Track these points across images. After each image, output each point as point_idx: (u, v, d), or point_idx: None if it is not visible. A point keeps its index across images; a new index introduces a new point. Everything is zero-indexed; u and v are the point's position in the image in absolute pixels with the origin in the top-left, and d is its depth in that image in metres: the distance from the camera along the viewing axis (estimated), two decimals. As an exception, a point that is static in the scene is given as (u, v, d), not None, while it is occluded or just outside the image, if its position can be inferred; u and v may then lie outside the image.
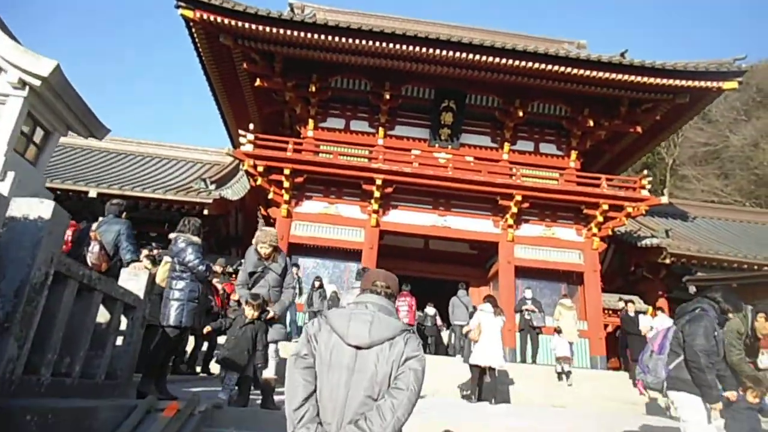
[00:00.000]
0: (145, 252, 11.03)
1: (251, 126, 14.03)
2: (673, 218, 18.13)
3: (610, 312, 15.89)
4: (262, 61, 14.02)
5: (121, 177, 15.08)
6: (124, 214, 6.04)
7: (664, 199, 13.91)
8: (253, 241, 5.35)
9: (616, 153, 16.94)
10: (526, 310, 12.02)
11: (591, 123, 14.74)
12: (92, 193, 12.70)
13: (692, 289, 14.43)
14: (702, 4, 70.77)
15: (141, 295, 4.73)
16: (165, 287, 5.36)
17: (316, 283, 12.41)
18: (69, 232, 5.35)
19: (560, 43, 17.07)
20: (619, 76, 13.01)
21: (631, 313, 11.46)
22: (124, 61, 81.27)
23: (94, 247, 5.35)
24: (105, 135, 5.65)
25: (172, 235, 5.42)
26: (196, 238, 5.29)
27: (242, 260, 5.89)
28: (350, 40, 12.59)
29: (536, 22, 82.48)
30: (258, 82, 14.06)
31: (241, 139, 13.37)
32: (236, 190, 15.76)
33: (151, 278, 5.22)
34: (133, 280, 4.73)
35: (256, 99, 15.74)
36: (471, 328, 8.88)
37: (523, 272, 14.47)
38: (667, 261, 14.32)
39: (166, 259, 6.16)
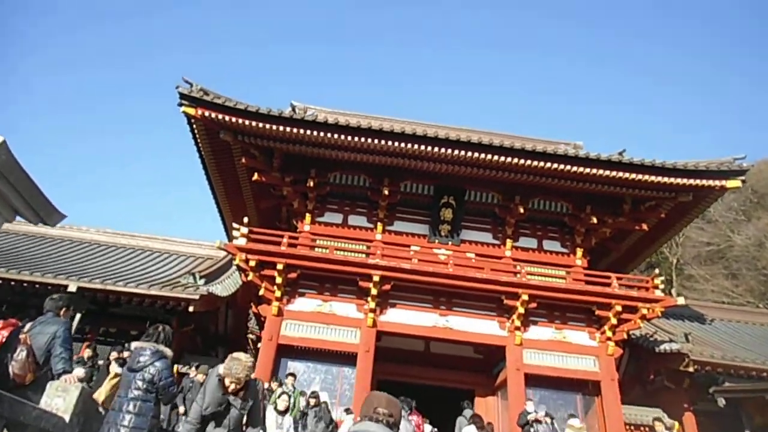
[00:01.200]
0: (113, 355, 10.15)
1: (247, 220, 13.66)
2: (689, 320, 17.11)
3: (632, 428, 14.33)
4: (261, 156, 14.04)
5: (107, 270, 14.45)
6: (64, 310, 5.15)
7: (681, 300, 13.07)
8: (221, 370, 4.39)
9: (623, 251, 16.40)
10: (535, 421, 10.45)
11: (594, 220, 14.37)
12: (71, 287, 12.00)
13: (721, 401, 13.12)
14: (692, 110, 74.71)
15: (67, 417, 3.84)
16: (111, 407, 4.39)
17: (311, 401, 10.48)
18: (4, 333, 4.53)
19: (557, 144, 17.25)
20: (619, 174, 12.85)
21: None
22: (118, 146, 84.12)
23: (21, 353, 4.35)
24: (58, 221, 5.12)
25: (135, 345, 4.63)
26: (168, 351, 4.50)
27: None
28: (349, 138, 12.63)
29: (531, 126, 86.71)
30: (256, 177, 13.96)
31: (234, 233, 12.95)
32: (227, 285, 15.05)
33: (86, 396, 4.32)
34: (60, 396, 3.87)
35: (253, 193, 15.59)
36: None
37: (534, 380, 13.21)
38: (690, 369, 13.13)
39: (115, 370, 5.17)
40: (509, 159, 12.61)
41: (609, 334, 13.50)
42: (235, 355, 4.51)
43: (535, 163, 12.62)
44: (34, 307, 13.80)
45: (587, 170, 12.67)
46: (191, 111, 12.47)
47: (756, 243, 36.37)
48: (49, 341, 4.53)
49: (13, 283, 12.16)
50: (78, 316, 12.44)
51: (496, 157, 12.61)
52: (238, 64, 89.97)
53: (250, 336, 19.06)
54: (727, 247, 39.35)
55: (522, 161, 12.61)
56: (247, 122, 12.56)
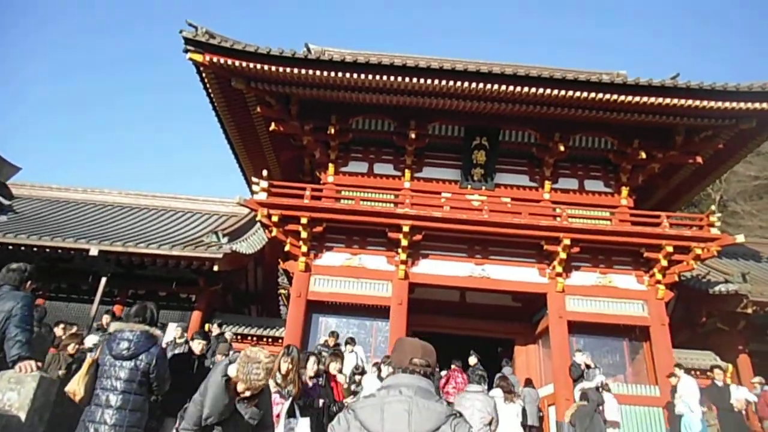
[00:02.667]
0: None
1: (267, 173, 12.91)
2: (743, 259, 15.94)
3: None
4: (278, 104, 13.12)
5: (130, 233, 14.12)
6: (28, 283, 4.14)
7: (740, 238, 11.92)
8: (232, 371, 3.30)
9: (672, 187, 15.13)
10: (587, 367, 9.73)
11: (643, 155, 13.10)
12: (93, 251, 11.68)
13: (782, 343, 12.19)
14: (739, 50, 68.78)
15: (23, 414, 3.15)
16: (90, 402, 3.59)
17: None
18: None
19: (599, 73, 15.71)
20: (674, 101, 11.46)
21: (720, 383, 9.29)
22: (139, 107, 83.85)
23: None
24: (12, 174, 4.41)
25: (115, 326, 3.93)
26: (157, 332, 3.82)
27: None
28: (371, 77, 11.54)
29: (565, 57, 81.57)
30: (273, 126, 13.10)
31: (254, 187, 12.26)
32: (253, 242, 14.58)
33: (48, 387, 3.58)
34: (13, 389, 3.19)
35: (272, 145, 14.79)
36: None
37: (578, 327, 12.51)
38: (749, 310, 12.17)
39: (89, 356, 4.29)
40: (549, 91, 11.34)
41: (659, 276, 12.55)
42: (252, 353, 3.37)
43: (579, 93, 11.33)
44: (62, 272, 13.77)
45: (638, 99, 11.34)
46: (198, 57, 11.54)
47: (808, 174, 34.03)
48: (3, 321, 3.69)
49: (35, 249, 11.89)
50: (104, 279, 12.20)
51: (533, 90, 11.36)
52: (245, 9, 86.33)
53: (282, 291, 18.85)
54: (777, 181, 37.03)
55: (563, 92, 11.34)
56: (259, 66, 11.58)
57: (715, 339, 14.37)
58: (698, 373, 13.79)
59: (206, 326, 13.50)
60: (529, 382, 11.70)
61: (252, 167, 15.39)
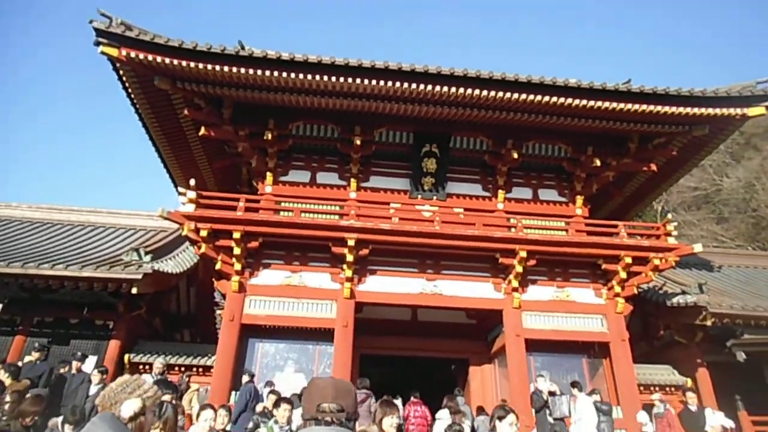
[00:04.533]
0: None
1: (194, 183, 11.59)
2: (697, 269, 15.77)
3: (641, 388, 13.04)
4: (208, 106, 11.86)
5: (38, 251, 12.34)
6: None
7: (698, 247, 11.56)
8: (126, 409, 2.43)
9: (626, 196, 14.81)
10: (551, 394, 8.90)
11: (597, 162, 12.65)
12: (-16, 274, 9.91)
13: (741, 355, 11.86)
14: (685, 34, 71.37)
15: None
16: None
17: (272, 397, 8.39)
18: None
19: (551, 78, 15.33)
20: (628, 106, 11.05)
21: (693, 407, 8.65)
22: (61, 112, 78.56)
23: None
24: None
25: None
26: None
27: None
28: (311, 77, 10.49)
29: (515, 63, 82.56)
30: (203, 131, 11.80)
31: (180, 198, 10.89)
32: (182, 260, 13.09)
33: None
34: None
35: (205, 152, 13.47)
36: None
37: (535, 346, 11.76)
38: (708, 322, 11.77)
39: None
40: (502, 94, 10.66)
41: (617, 289, 12.02)
42: (131, 383, 2.54)
43: (532, 97, 10.71)
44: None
45: (593, 103, 10.81)
46: (112, 52, 10.16)
47: (746, 185, 35.52)
48: None
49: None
50: (-1, 306, 10.44)
51: (485, 92, 10.64)
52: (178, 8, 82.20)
53: (220, 313, 17.24)
54: (715, 191, 38.57)
55: (517, 96, 10.69)
56: (185, 63, 10.32)
57: (673, 352, 13.96)
58: (657, 389, 13.35)
59: (126, 357, 11.89)
60: (481, 410, 10.79)
61: (183, 177, 13.94)
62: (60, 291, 11.56)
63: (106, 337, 11.85)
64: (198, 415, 4.62)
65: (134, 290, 10.62)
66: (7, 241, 12.89)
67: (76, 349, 11.68)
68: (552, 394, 8.57)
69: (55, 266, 10.39)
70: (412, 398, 10.76)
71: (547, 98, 10.77)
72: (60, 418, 5.23)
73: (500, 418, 3.50)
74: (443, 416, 8.39)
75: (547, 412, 8.46)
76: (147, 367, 12.08)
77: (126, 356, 11.87)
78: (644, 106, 11.05)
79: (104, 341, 11.79)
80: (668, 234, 11.95)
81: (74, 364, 8.64)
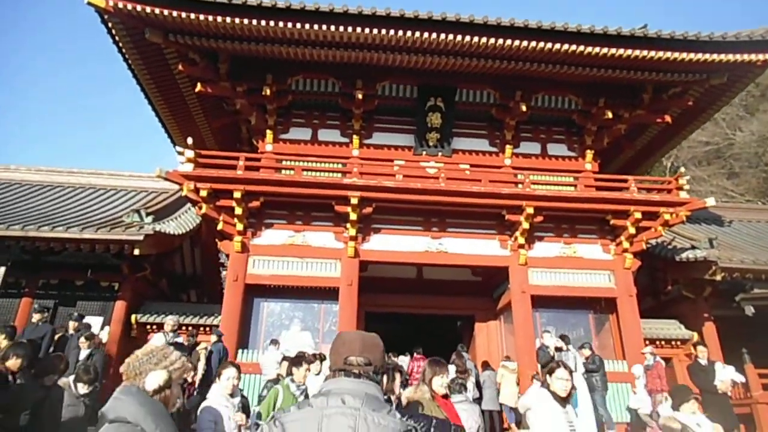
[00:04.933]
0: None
1: (192, 141, 11.26)
2: (706, 224, 15.48)
3: (647, 342, 13.05)
4: (203, 61, 11.40)
5: (38, 214, 12.22)
6: None
7: (710, 201, 11.26)
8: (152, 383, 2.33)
9: (638, 150, 14.37)
10: (557, 350, 8.79)
11: (609, 114, 12.16)
12: (-17, 237, 9.81)
13: (750, 309, 11.73)
14: None
15: None
16: None
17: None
18: None
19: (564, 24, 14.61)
20: (644, 54, 10.46)
21: (703, 362, 8.54)
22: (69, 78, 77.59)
23: None
24: None
25: None
26: None
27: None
28: (309, 26, 9.96)
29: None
30: (200, 88, 11.39)
31: (179, 157, 10.61)
32: (185, 221, 12.94)
33: None
34: None
35: (203, 110, 13.09)
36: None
37: (541, 302, 11.67)
38: (717, 277, 11.59)
39: None
40: (510, 42, 10.12)
41: (626, 245, 11.80)
42: (158, 353, 2.46)
43: (542, 44, 10.16)
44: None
45: (606, 51, 10.26)
46: (98, 2, 9.65)
47: (759, 138, 34.62)
48: None
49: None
50: (2, 269, 10.37)
51: (493, 41, 10.11)
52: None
53: (225, 273, 17.28)
54: (727, 146, 37.69)
55: (526, 44, 10.14)
56: (176, 14, 9.81)
57: (680, 307, 13.87)
58: (663, 343, 13.35)
59: (133, 317, 11.95)
60: (486, 365, 10.83)
61: (182, 137, 13.59)
62: (63, 253, 11.49)
63: (111, 298, 11.86)
64: (219, 375, 4.46)
65: (136, 251, 10.52)
66: (6, 205, 12.76)
67: (83, 310, 11.71)
68: (558, 349, 8.50)
69: (56, 228, 10.26)
70: (415, 354, 10.81)
71: (558, 46, 10.22)
72: (71, 377, 5.15)
73: (550, 372, 3.53)
74: (508, 365, 8.41)
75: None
76: (154, 327, 12.18)
77: (133, 316, 11.93)
78: (661, 53, 10.47)
79: (110, 302, 11.81)
80: (680, 188, 11.60)
81: (71, 324, 8.59)
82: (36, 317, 9.26)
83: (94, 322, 10.76)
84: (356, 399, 1.67)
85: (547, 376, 3.51)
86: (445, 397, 3.67)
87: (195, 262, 15.64)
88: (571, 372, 3.49)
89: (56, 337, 8.64)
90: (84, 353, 8.28)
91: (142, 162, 71.73)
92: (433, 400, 3.42)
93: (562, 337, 10.08)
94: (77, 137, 76.42)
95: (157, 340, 8.49)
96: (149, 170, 12.88)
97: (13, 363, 4.54)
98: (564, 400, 3.44)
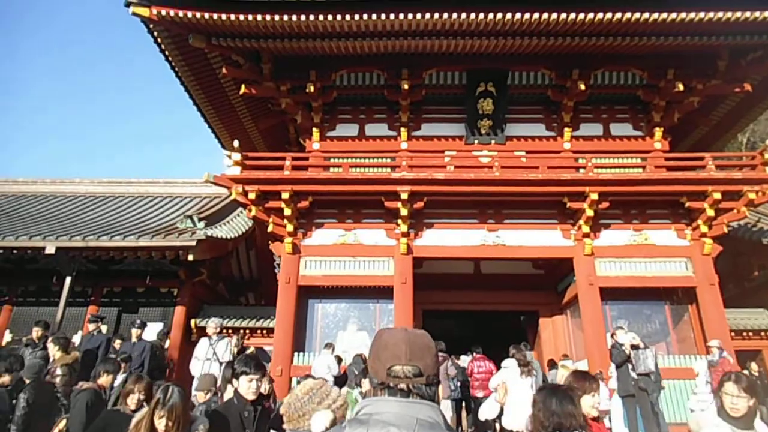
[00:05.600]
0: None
1: (239, 144, 11.20)
2: (795, 202, 13.94)
3: (732, 335, 11.90)
4: (247, 62, 11.31)
5: (100, 224, 12.63)
6: None
7: (804, 176, 10.04)
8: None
9: (713, 125, 13.11)
10: (634, 348, 7.93)
11: (680, 86, 11.08)
12: (50, 248, 10.20)
13: None
14: None
15: None
16: None
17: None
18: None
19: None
20: (719, 15, 9.38)
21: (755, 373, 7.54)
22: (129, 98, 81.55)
23: None
24: None
25: None
26: None
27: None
28: (351, 17, 9.59)
29: None
30: (244, 90, 11.32)
31: (225, 160, 10.57)
32: (237, 224, 13.01)
33: None
34: None
35: (249, 112, 13.07)
36: (493, 386, 7.84)
37: (611, 294, 10.84)
38: (815, 261, 10.36)
39: None
40: (566, 15, 9.34)
41: (704, 229, 10.72)
42: (318, 392, 2.47)
43: (602, 15, 9.30)
44: (30, 274, 12.40)
45: (675, 16, 9.28)
46: (143, 12, 9.71)
47: None
48: None
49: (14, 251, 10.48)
50: (68, 279, 10.74)
51: (547, 16, 9.36)
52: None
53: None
54: (809, 115, 34.31)
55: (583, 16, 9.33)
56: (216, 16, 9.72)
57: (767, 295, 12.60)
58: (750, 334, 12.17)
59: (192, 322, 12.13)
60: (553, 364, 10.13)
61: (231, 140, 13.63)
62: (123, 261, 11.83)
63: (171, 304, 12.10)
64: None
65: (190, 257, 10.61)
66: (71, 217, 13.28)
67: (145, 316, 12.01)
68: (635, 347, 7.72)
69: (114, 237, 10.49)
70: (474, 353, 10.31)
71: (619, 15, 9.34)
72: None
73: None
74: (509, 365, 7.90)
75: (630, 366, 7.66)
76: (214, 330, 12.34)
77: (192, 321, 12.11)
78: (739, 14, 9.36)
79: (170, 308, 12.05)
80: (765, 163, 10.40)
81: (134, 332, 8.63)
82: (90, 327, 8.96)
83: (154, 327, 10.94)
84: (403, 424, 1.29)
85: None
86: (597, 419, 3.09)
87: (251, 264, 15.78)
88: (741, 386, 2.72)
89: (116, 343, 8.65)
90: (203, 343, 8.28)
91: (203, 167, 74.56)
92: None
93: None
94: (143, 152, 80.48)
95: (201, 344, 8.31)
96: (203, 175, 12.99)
97: (105, 380, 4.51)
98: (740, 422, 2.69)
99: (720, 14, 9.34)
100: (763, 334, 11.99)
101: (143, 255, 10.97)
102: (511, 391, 7.36)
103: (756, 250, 11.86)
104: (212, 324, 8.60)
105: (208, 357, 7.92)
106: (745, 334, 12.05)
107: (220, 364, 7.76)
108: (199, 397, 4.79)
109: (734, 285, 13.50)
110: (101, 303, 12.15)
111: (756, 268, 12.43)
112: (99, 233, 11.16)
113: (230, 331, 12.21)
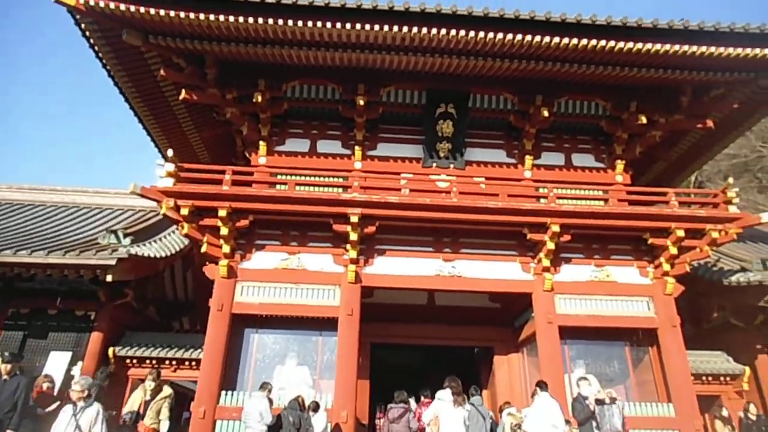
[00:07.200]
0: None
1: (176, 156, 10.15)
2: (752, 242, 13.88)
3: (693, 379, 11.42)
4: (189, 66, 10.35)
5: (9, 236, 11.15)
6: None
7: (766, 217, 9.78)
8: None
9: (672, 162, 12.94)
10: (598, 402, 7.15)
11: (643, 120, 10.79)
12: (-63, 263, 8.71)
13: (815, 342, 10.11)
14: None
15: None
16: None
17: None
18: None
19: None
20: (684, 48, 9.15)
21: (752, 416, 7.06)
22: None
23: None
24: None
25: None
26: None
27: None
28: (302, 23, 8.84)
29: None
30: (184, 95, 10.31)
31: (158, 170, 9.45)
32: (170, 242, 11.79)
33: None
34: None
35: (192, 120, 12.04)
36: (427, 421, 7.73)
37: (570, 333, 10.21)
38: (775, 304, 10.05)
39: None
40: (530, 38, 8.89)
41: (666, 267, 10.31)
42: None
43: (567, 40, 8.89)
44: None
45: (640, 46, 8.98)
46: (69, 0, 8.66)
47: (790, 151, 32.83)
48: None
49: None
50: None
51: (511, 36, 8.89)
52: None
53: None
54: (756, 159, 35.81)
55: (548, 40, 8.90)
56: (153, 11, 8.77)
57: (726, 336, 12.28)
58: (710, 379, 11.74)
59: (110, 351, 10.74)
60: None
61: (171, 148, 12.51)
62: (35, 279, 10.41)
63: (87, 329, 10.70)
64: None
65: (109, 277, 9.33)
66: (-21, 226, 11.74)
67: (55, 343, 10.56)
68: (600, 402, 6.95)
69: (18, 252, 9.13)
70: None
71: (586, 42, 8.95)
72: None
73: None
74: (443, 396, 7.48)
75: (594, 424, 6.89)
76: (134, 361, 10.98)
77: (110, 350, 10.71)
78: (704, 48, 9.14)
79: (85, 333, 10.63)
80: (729, 202, 10.14)
81: (2, 367, 6.79)
82: (5, 369, 7.04)
83: (61, 359, 9.53)
84: None
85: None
86: None
87: (187, 286, 14.44)
88: None
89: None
90: (66, 412, 5.75)
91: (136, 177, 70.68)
92: None
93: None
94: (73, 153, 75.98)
95: (63, 414, 5.79)
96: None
97: None
98: None
99: (684, 47, 9.13)
100: (722, 378, 11.59)
101: (55, 273, 9.61)
102: (443, 423, 7.16)
103: (716, 291, 11.53)
104: (77, 386, 5.97)
105: None
106: (704, 378, 11.62)
107: None
108: None
109: (691, 326, 13.08)
110: (4, 326, 10.61)
111: (715, 309, 12.10)
112: (9, 246, 9.74)
113: (154, 362, 10.91)
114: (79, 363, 10.20)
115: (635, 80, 10.29)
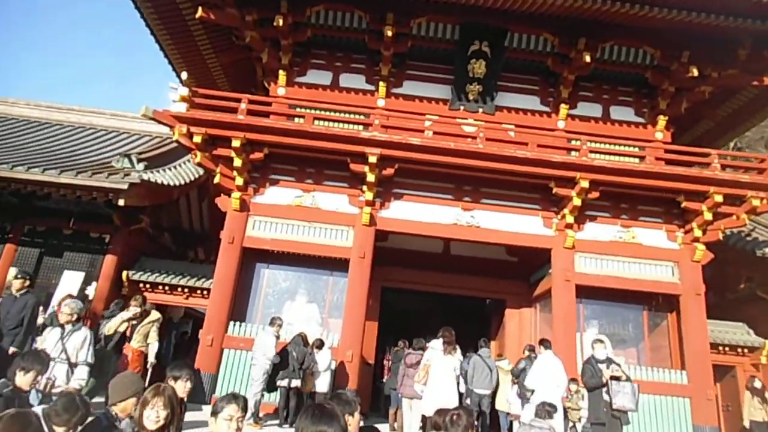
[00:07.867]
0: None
1: (191, 80, 9.72)
2: (790, 214, 13.11)
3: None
4: (207, -20, 9.66)
5: (27, 153, 11.04)
6: None
7: (815, 188, 9.07)
8: None
9: (718, 121, 12.02)
10: (613, 378, 6.76)
11: (695, 72, 9.88)
12: (-50, 174, 8.64)
13: None
14: None
15: None
16: None
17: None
18: None
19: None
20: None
21: (758, 384, 6.70)
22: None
23: None
24: None
25: None
26: None
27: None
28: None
29: None
30: (200, 13, 9.70)
31: (171, 94, 9.04)
32: (186, 170, 11.54)
33: None
34: None
35: (211, 43, 11.44)
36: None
37: (587, 292, 9.89)
38: (809, 280, 9.52)
39: None
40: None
41: (697, 233, 9.75)
42: None
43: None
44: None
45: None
46: None
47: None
48: None
49: None
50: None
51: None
52: None
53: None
54: (802, 125, 33.77)
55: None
56: None
57: (750, 308, 11.85)
58: (726, 349, 11.43)
59: (124, 274, 10.80)
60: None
61: (189, 74, 12.02)
62: (50, 198, 10.34)
63: (101, 251, 10.71)
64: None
65: (120, 201, 9.19)
66: (-3, 140, 11.63)
67: (70, 262, 10.66)
68: (615, 378, 6.54)
69: (31, 169, 8.99)
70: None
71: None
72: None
73: None
74: (435, 345, 7.47)
75: (603, 391, 6.59)
76: (147, 285, 11.04)
77: (124, 273, 10.78)
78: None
79: (99, 255, 10.68)
80: (776, 167, 9.39)
81: (15, 283, 6.70)
82: (16, 284, 6.87)
83: (75, 278, 9.60)
84: None
85: None
86: None
87: (203, 216, 14.38)
88: None
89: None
90: (53, 335, 5.65)
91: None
92: None
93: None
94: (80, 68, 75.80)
95: (50, 336, 5.71)
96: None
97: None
98: None
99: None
100: (739, 350, 11.27)
101: (68, 193, 9.49)
102: (432, 370, 7.21)
103: (747, 260, 11.01)
104: (66, 308, 5.81)
105: (54, 357, 5.31)
106: (720, 348, 11.30)
107: (71, 366, 5.49)
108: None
109: (714, 295, 12.67)
110: (20, 242, 10.70)
111: (743, 279, 11.61)
112: (24, 162, 9.61)
113: (166, 288, 10.99)
114: (94, 283, 10.30)
115: (691, 27, 9.28)
